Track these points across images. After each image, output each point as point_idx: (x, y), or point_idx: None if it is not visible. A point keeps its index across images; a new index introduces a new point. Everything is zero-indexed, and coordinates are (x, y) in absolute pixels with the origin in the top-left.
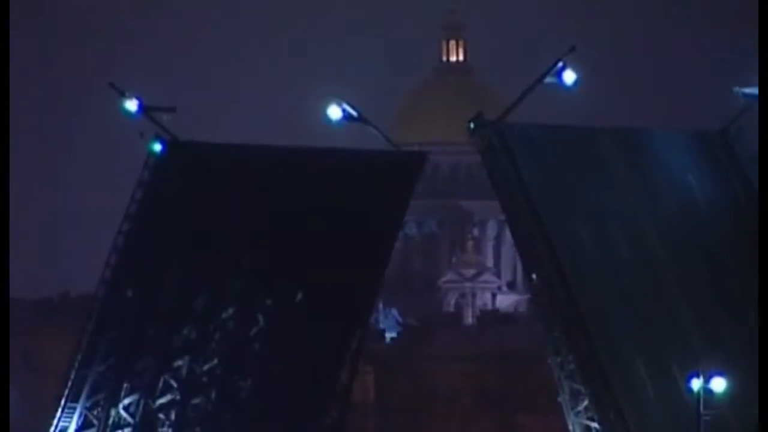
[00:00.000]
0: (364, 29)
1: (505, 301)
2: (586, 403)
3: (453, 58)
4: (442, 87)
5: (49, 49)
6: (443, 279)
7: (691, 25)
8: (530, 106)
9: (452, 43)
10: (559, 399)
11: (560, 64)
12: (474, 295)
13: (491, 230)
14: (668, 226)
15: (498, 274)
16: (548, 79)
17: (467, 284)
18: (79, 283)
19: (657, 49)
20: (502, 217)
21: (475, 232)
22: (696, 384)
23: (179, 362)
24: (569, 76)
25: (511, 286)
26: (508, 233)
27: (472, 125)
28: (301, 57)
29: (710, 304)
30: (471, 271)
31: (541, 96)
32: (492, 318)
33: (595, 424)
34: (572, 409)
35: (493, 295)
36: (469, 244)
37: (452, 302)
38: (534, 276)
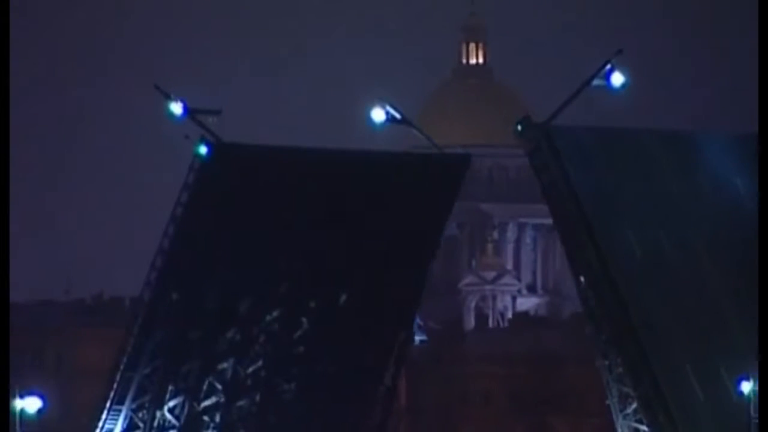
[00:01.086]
0: (383, 31)
1: (526, 303)
2: (634, 405)
3: (473, 61)
4: (461, 89)
5: (95, 51)
6: (463, 282)
7: (739, 25)
8: (572, 108)
9: (472, 45)
10: (607, 402)
11: (608, 67)
12: (494, 298)
13: (511, 233)
14: (715, 229)
15: (518, 277)
16: (596, 82)
17: (487, 287)
18: (112, 285)
19: (704, 49)
20: (522, 220)
21: (495, 234)
22: (746, 387)
23: (224, 365)
24: (617, 79)
25: (531, 288)
26: (527, 236)
27: (519, 127)
28: (342, 59)
29: (757, 307)
30: (491, 274)
31: (583, 97)
32: (523, 320)
33: (644, 427)
34: (621, 411)
35: (514, 298)
36: (489, 247)
37: (472, 305)
38: (582, 279)
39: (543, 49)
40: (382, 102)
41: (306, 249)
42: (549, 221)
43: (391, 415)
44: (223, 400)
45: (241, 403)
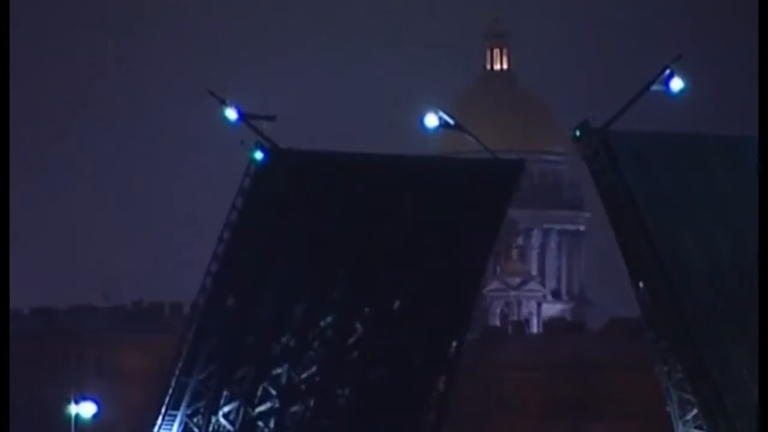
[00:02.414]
0: (407, 37)
1: (550, 310)
2: (694, 411)
3: (497, 67)
4: (486, 95)
5: (151, 57)
6: (488, 288)
7: None
8: (630, 113)
9: (496, 51)
10: (667, 408)
11: (667, 72)
12: (519, 304)
13: (536, 239)
14: None
15: (543, 283)
16: (655, 87)
17: (512, 293)
18: (152, 291)
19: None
20: (547, 226)
21: (520, 240)
22: None
23: (278, 370)
24: (677, 84)
25: (556, 294)
26: (552, 241)
27: (577, 132)
28: (393, 64)
29: None
30: (516, 280)
31: (639, 102)
32: (559, 326)
33: None
34: (680, 418)
35: (539, 304)
36: (514, 252)
37: (498, 311)
38: (641, 284)
39: (567, 54)
40: (435, 107)
41: (360, 255)
42: (574, 227)
43: (444, 420)
44: (277, 405)
45: (295, 408)
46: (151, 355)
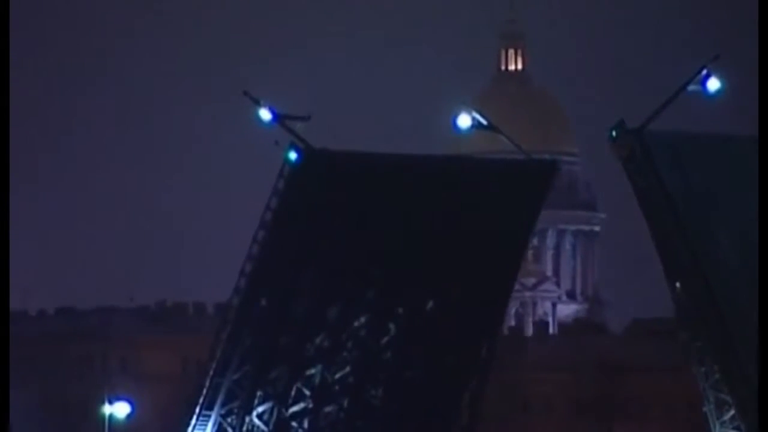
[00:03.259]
0: (422, 37)
1: (565, 310)
2: (732, 413)
3: (512, 67)
4: (500, 95)
5: (185, 59)
6: None
7: None
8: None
9: (511, 51)
10: (704, 409)
11: (704, 72)
12: (534, 305)
13: (550, 239)
14: None
15: (558, 284)
16: (691, 87)
17: (527, 294)
18: (175, 291)
19: None
20: (561, 226)
21: (535, 241)
22: None
23: (312, 370)
24: (714, 84)
25: (571, 295)
26: (567, 242)
27: (614, 133)
28: (409, 65)
29: None
30: (531, 281)
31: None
32: (581, 327)
33: None
34: (717, 419)
35: (553, 305)
36: (529, 253)
37: (512, 312)
38: (677, 285)
39: (581, 55)
40: (467, 108)
41: (393, 255)
42: (588, 227)
43: (477, 420)
44: (311, 405)
45: (328, 409)
46: (175, 356)
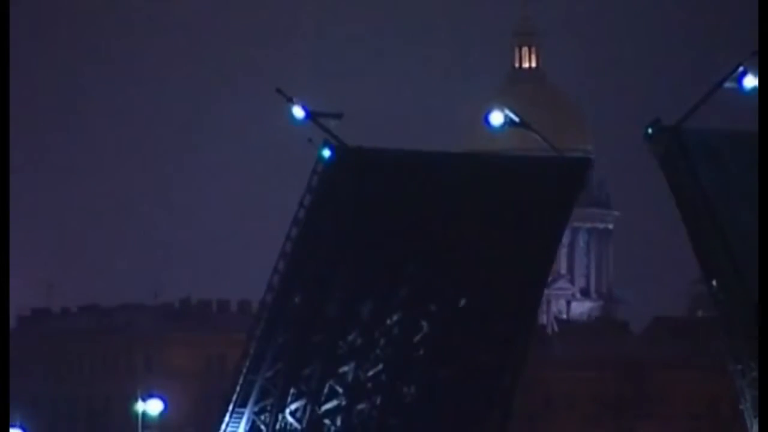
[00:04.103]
0: (436, 35)
1: (579, 308)
2: None
3: (525, 65)
4: (514, 93)
5: (218, 56)
6: None
7: None
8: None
9: (525, 49)
10: (741, 407)
11: (741, 69)
12: (548, 303)
13: (564, 237)
14: None
15: (572, 281)
16: (727, 84)
17: None
18: (199, 289)
19: None
20: (575, 224)
21: None
22: None
23: (345, 368)
24: (750, 82)
25: (585, 293)
26: (580, 240)
27: (649, 130)
28: (437, 64)
29: None
30: None
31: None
32: (604, 325)
33: None
34: (755, 417)
35: (568, 303)
36: None
37: None
38: (714, 283)
39: (595, 52)
40: (500, 106)
41: (426, 252)
42: (602, 225)
43: (510, 418)
44: (344, 403)
45: (361, 406)
46: (199, 353)
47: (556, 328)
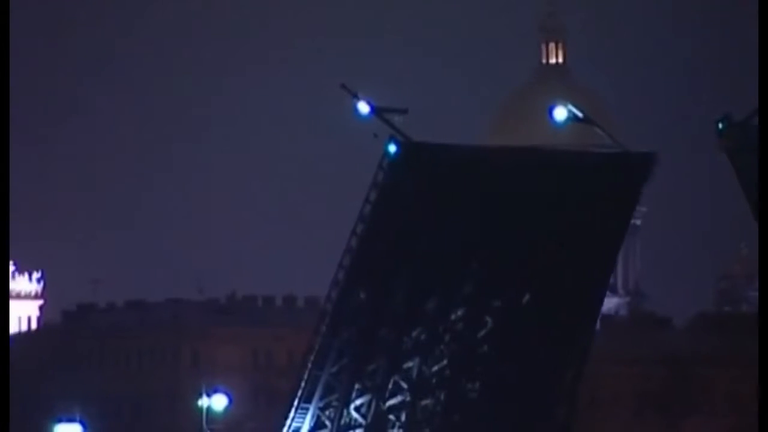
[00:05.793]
0: (463, 31)
1: (607, 303)
2: None
3: (552, 60)
4: (541, 89)
5: (283, 52)
6: None
7: None
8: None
9: (551, 45)
10: None
11: None
12: None
13: None
14: None
15: None
16: None
17: None
18: (244, 284)
19: None
20: None
21: None
22: None
23: (410, 363)
24: None
25: (612, 288)
26: None
27: (720, 125)
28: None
29: None
30: None
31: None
32: (647, 320)
33: None
34: None
35: None
36: None
37: None
38: None
39: (621, 48)
40: (564, 101)
41: (491, 248)
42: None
43: (574, 414)
44: (408, 399)
45: (426, 402)
46: (245, 348)
47: (598, 325)
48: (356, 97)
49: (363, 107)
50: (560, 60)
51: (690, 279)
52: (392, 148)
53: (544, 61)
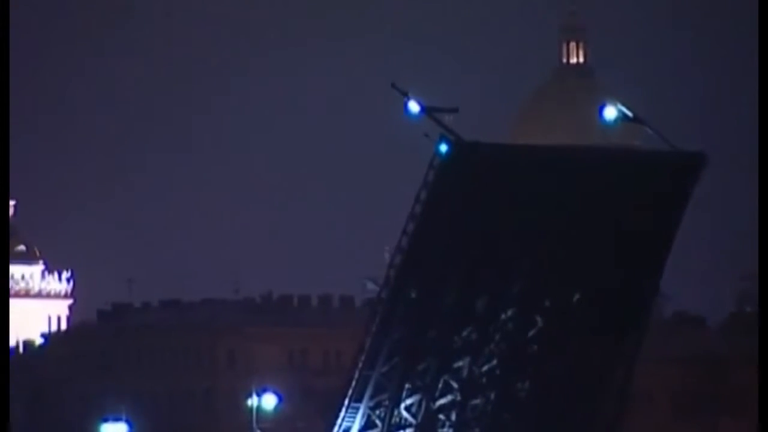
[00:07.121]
0: (484, 31)
1: None
2: None
3: (573, 60)
4: (561, 89)
5: (334, 52)
6: None
7: None
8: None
9: (572, 44)
10: None
11: None
12: None
13: None
14: None
15: None
16: None
17: None
18: (280, 284)
19: None
20: None
21: None
22: None
23: (460, 363)
24: None
25: None
26: None
27: None
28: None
29: None
30: None
31: None
32: (680, 320)
33: None
34: None
35: None
36: None
37: None
38: None
39: (643, 47)
40: (614, 101)
41: (541, 247)
42: None
43: (625, 413)
44: (458, 398)
45: (476, 401)
46: (281, 348)
47: None
48: (407, 96)
49: (413, 106)
50: (581, 60)
51: (710, 279)
52: (443, 148)
53: (564, 60)
